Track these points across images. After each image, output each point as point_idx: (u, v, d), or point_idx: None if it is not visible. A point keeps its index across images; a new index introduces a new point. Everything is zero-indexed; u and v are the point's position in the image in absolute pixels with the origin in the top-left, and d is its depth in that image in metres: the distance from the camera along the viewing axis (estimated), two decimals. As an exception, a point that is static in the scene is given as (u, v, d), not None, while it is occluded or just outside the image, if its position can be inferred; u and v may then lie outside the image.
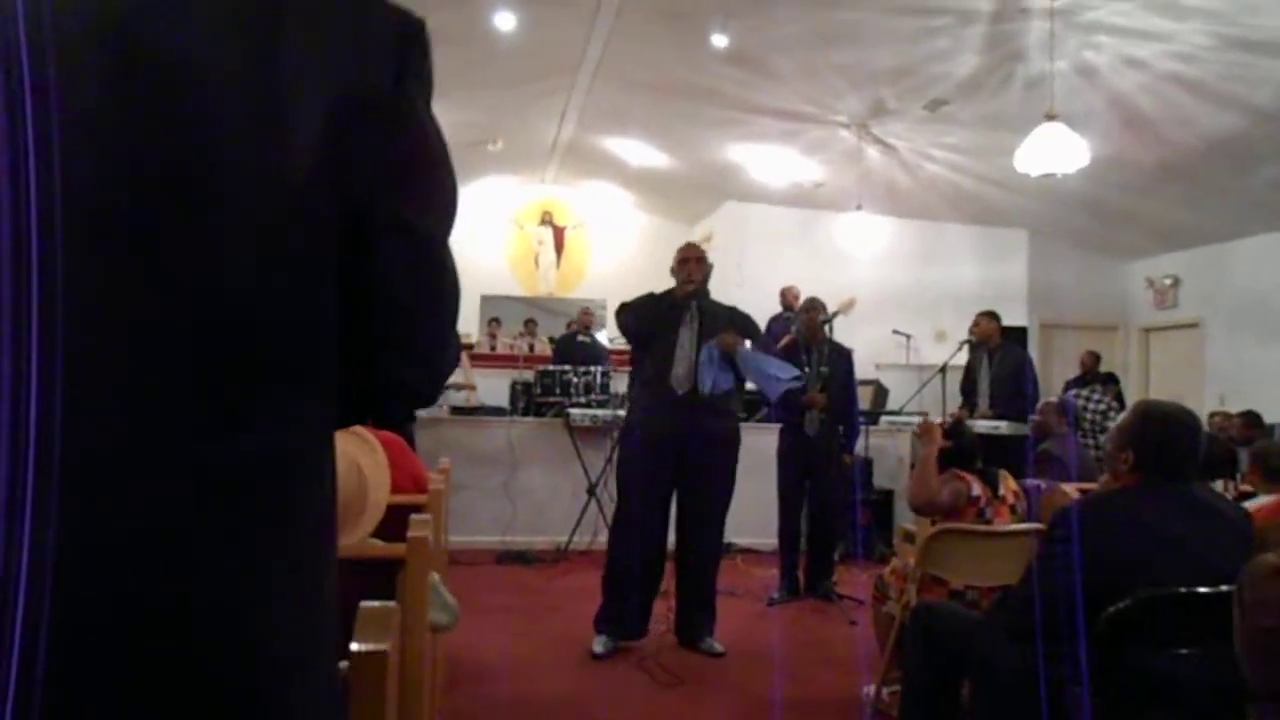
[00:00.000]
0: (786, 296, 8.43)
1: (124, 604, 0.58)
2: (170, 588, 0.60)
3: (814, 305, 5.49)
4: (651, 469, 4.12)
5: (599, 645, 4.11)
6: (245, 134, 0.62)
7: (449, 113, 9.48)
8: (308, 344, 0.67)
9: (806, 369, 5.27)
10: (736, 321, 4.34)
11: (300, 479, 0.68)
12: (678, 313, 4.20)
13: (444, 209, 0.75)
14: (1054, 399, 5.92)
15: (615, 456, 4.35)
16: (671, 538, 4.28)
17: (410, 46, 0.72)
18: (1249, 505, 3.06)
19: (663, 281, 4.35)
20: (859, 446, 5.83)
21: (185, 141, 0.61)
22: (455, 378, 8.35)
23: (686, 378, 4.11)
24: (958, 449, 3.47)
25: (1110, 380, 8.48)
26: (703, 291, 4.24)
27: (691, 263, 4.24)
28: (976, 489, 3.32)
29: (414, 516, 1.77)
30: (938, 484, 3.32)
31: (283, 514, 0.66)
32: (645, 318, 4.22)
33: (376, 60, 0.69)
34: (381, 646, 0.98)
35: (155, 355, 0.60)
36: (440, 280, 0.75)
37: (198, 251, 0.61)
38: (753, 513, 6.22)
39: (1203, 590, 2.08)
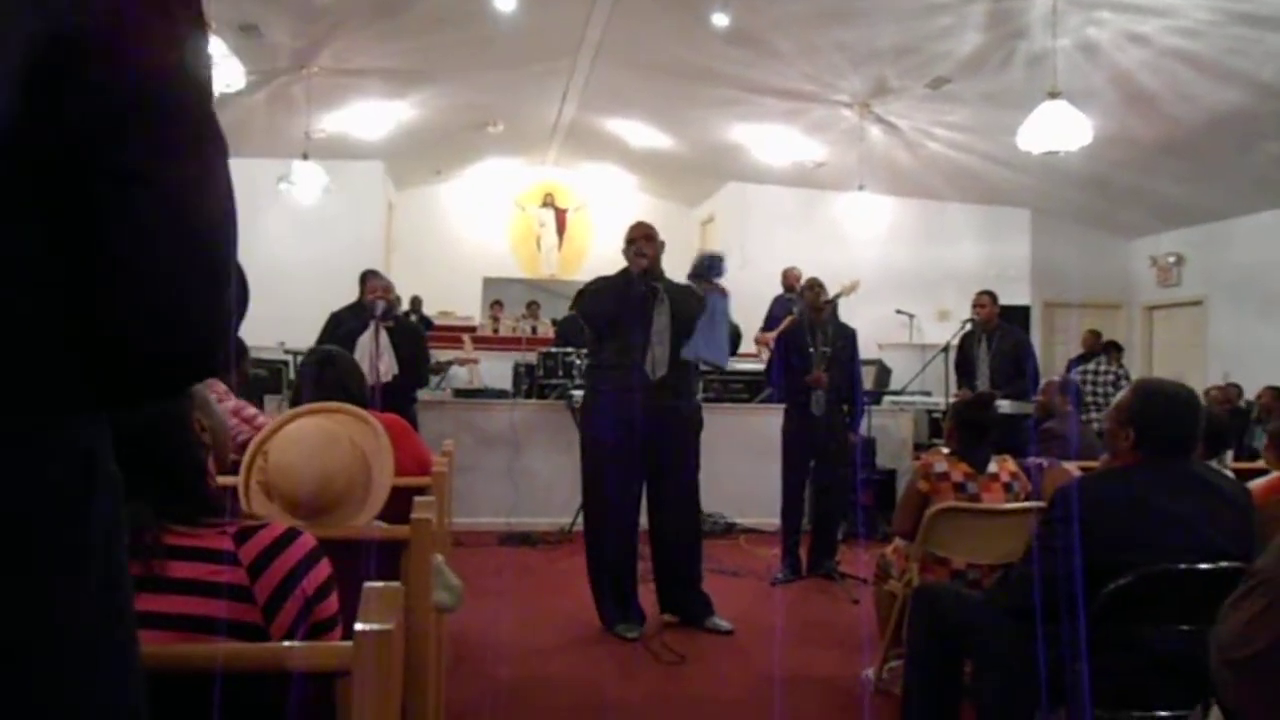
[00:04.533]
0: (788, 278, 8.43)
1: None
2: None
3: (814, 285, 5.49)
4: (626, 455, 4.06)
5: (631, 631, 4.08)
6: None
7: (450, 95, 9.50)
8: (17, 312, 0.59)
9: (811, 349, 5.28)
10: (696, 299, 4.33)
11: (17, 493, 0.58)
12: (645, 297, 4.15)
13: (188, 153, 0.64)
14: (1056, 378, 5.90)
15: (580, 445, 4.29)
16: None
17: None
18: (1254, 484, 3.07)
19: (669, 262, 4.32)
20: (862, 426, 5.84)
21: None
22: (456, 353, 8.38)
23: (663, 362, 4.10)
24: (963, 423, 3.48)
25: (1112, 348, 8.39)
26: (657, 269, 4.21)
27: (641, 241, 4.20)
28: (942, 465, 3.33)
29: (417, 498, 1.79)
30: (908, 513, 3.38)
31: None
32: (612, 303, 4.15)
33: None
34: (387, 626, 0.99)
35: None
36: (185, 235, 0.63)
37: None
38: (756, 493, 6.26)
39: (1203, 567, 2.09)
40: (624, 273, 4.24)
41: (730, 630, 4.17)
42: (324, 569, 1.37)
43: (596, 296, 4.21)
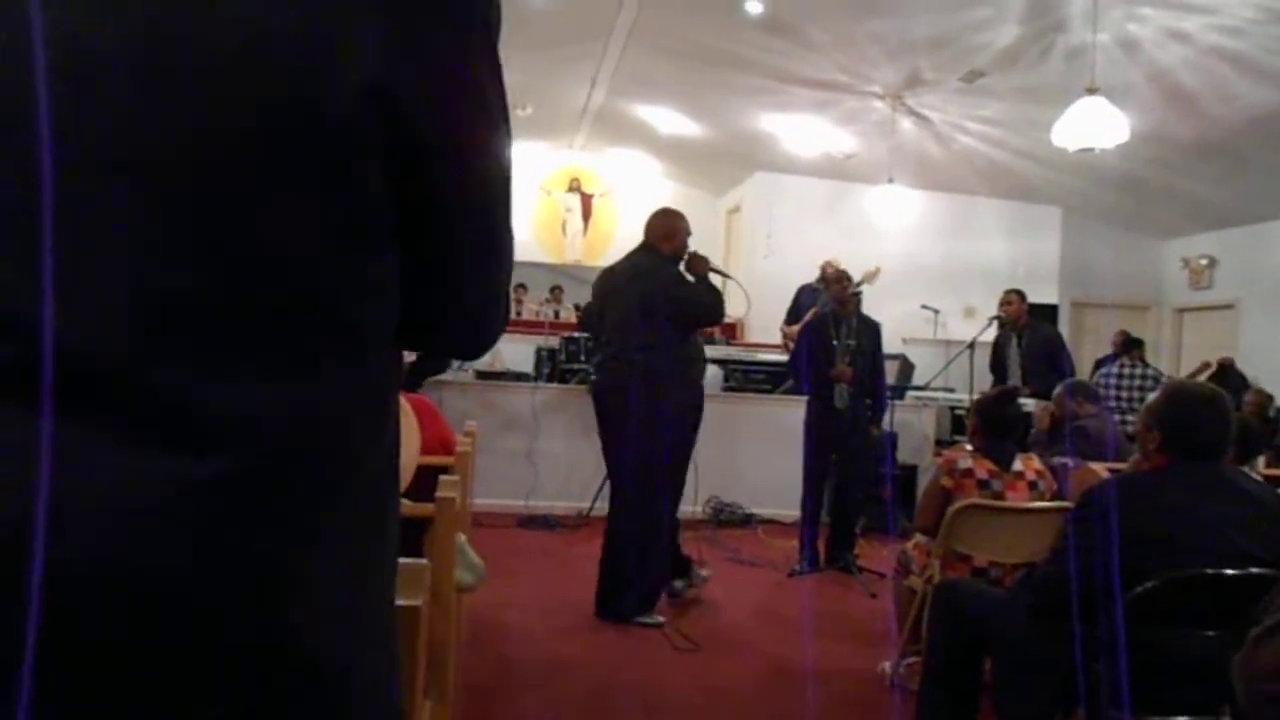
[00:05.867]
0: (825, 270, 8.34)
1: (149, 562, 0.56)
2: (217, 542, 0.58)
3: (842, 277, 5.47)
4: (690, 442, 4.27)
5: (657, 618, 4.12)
6: (296, 73, 0.60)
7: (480, 76, 9.32)
8: (363, 295, 0.66)
9: (835, 342, 5.25)
10: None
11: (355, 437, 0.66)
12: None
13: (502, 178, 0.74)
14: (1065, 384, 5.72)
15: (681, 436, 4.23)
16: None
17: (471, 5, 0.70)
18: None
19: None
20: (885, 421, 5.81)
21: (229, 79, 0.59)
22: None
23: None
24: (987, 419, 3.46)
25: (1133, 346, 8.18)
26: None
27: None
28: (966, 462, 3.30)
29: (442, 477, 1.79)
30: (930, 509, 3.36)
31: (338, 476, 0.64)
32: None
33: (428, 12, 0.66)
34: (414, 602, 0.99)
35: (196, 297, 0.59)
36: (491, 250, 0.74)
37: (243, 196, 0.60)
38: (775, 484, 6.24)
39: (1229, 572, 2.06)
40: (684, 267, 4.31)
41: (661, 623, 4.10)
42: None
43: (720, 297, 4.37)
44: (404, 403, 1.96)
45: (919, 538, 3.46)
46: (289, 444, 0.61)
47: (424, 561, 1.06)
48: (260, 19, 0.60)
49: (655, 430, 4.06)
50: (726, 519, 6.47)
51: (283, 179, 0.61)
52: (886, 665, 3.54)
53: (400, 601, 1.00)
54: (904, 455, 6.85)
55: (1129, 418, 6.68)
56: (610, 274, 4.39)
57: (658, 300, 4.10)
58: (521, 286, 11.81)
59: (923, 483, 6.43)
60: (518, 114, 10.24)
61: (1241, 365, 9.43)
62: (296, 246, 0.62)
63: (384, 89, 0.63)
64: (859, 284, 5.55)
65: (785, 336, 8.24)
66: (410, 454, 1.85)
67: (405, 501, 1.86)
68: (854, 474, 5.32)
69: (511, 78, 0.78)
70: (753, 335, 10.83)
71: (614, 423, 4.16)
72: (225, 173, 0.60)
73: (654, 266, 4.20)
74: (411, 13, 0.65)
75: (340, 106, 0.62)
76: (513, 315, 12.01)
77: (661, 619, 4.08)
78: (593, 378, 4.45)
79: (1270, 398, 7.53)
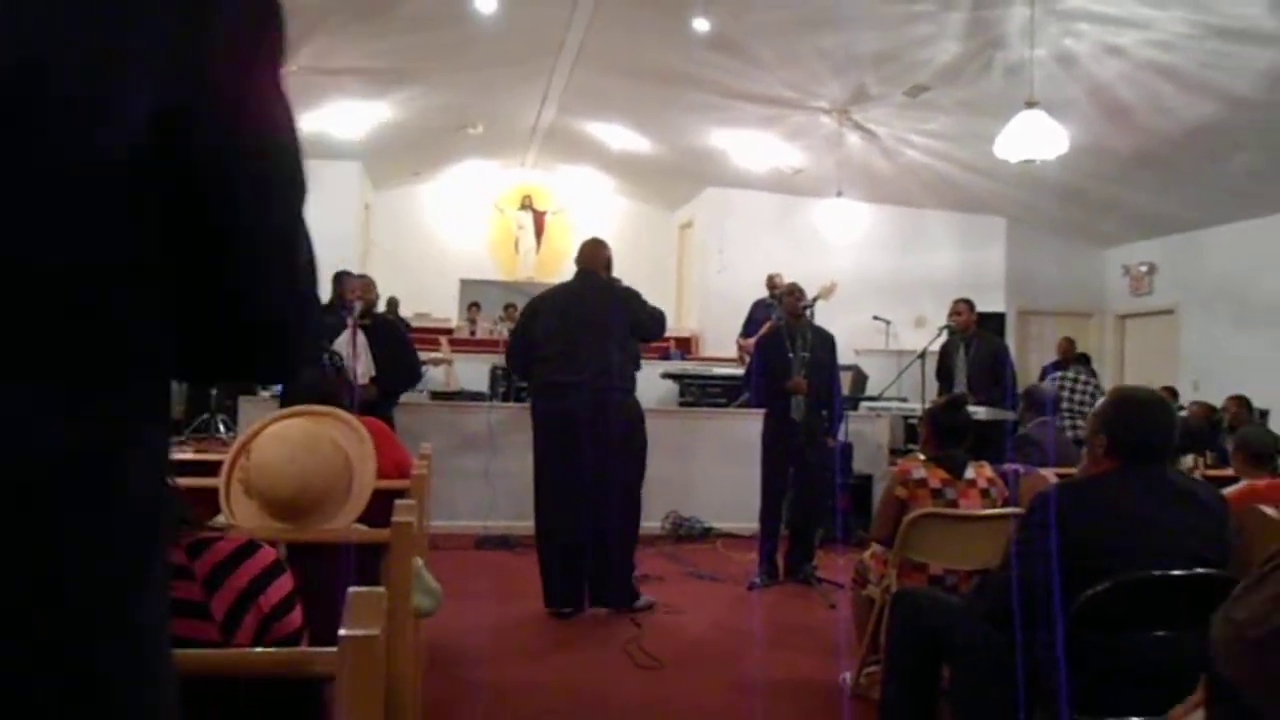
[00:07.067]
0: (772, 283, 8.44)
1: None
2: None
3: (794, 290, 5.52)
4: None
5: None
6: (64, 102, 0.60)
7: (429, 96, 9.42)
8: (144, 320, 0.65)
9: (790, 354, 5.29)
10: None
11: (124, 462, 0.65)
12: None
13: (283, 191, 0.73)
14: (1032, 386, 5.91)
15: (643, 441, 4.67)
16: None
17: (259, 21, 0.70)
18: (1226, 491, 3.11)
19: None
20: (840, 432, 5.86)
21: (5, 111, 0.58)
22: (432, 354, 8.33)
23: None
24: (938, 427, 3.50)
25: (1083, 360, 8.48)
26: None
27: None
28: (920, 472, 3.34)
29: (398, 502, 1.77)
30: (885, 519, 3.41)
31: (100, 503, 0.62)
32: None
33: (214, 34, 0.66)
34: (372, 632, 0.98)
35: None
36: (281, 264, 0.73)
37: (23, 226, 0.59)
38: (733, 497, 6.26)
39: (1178, 573, 2.11)
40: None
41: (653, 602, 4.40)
42: (285, 583, 1.31)
43: None
44: (360, 427, 1.94)
45: (876, 548, 3.49)
46: (50, 466, 0.60)
47: (380, 590, 1.05)
48: (38, 45, 0.60)
49: (641, 439, 4.59)
50: (685, 533, 6.48)
51: (64, 206, 0.61)
52: (847, 675, 3.56)
53: (358, 631, 0.99)
54: (859, 465, 6.92)
55: (1078, 422, 6.84)
56: (560, 298, 4.59)
57: (629, 319, 4.50)
58: (475, 305, 11.75)
59: (878, 492, 6.50)
60: (469, 133, 10.22)
61: (1181, 368, 9.70)
62: (77, 271, 0.62)
63: (168, 113, 0.63)
64: (814, 299, 5.61)
65: (741, 349, 8.30)
66: (366, 479, 1.83)
67: (361, 527, 1.84)
68: (812, 485, 5.36)
69: (462, 97, 0.78)
70: (707, 349, 10.89)
71: (598, 440, 4.42)
72: (6, 202, 0.59)
73: (611, 290, 4.42)
74: (193, 37, 0.65)
75: (123, 134, 0.62)
76: (466, 334, 11.85)
77: (653, 599, 4.55)
78: (551, 399, 4.52)
79: (1176, 393, 7.78)
